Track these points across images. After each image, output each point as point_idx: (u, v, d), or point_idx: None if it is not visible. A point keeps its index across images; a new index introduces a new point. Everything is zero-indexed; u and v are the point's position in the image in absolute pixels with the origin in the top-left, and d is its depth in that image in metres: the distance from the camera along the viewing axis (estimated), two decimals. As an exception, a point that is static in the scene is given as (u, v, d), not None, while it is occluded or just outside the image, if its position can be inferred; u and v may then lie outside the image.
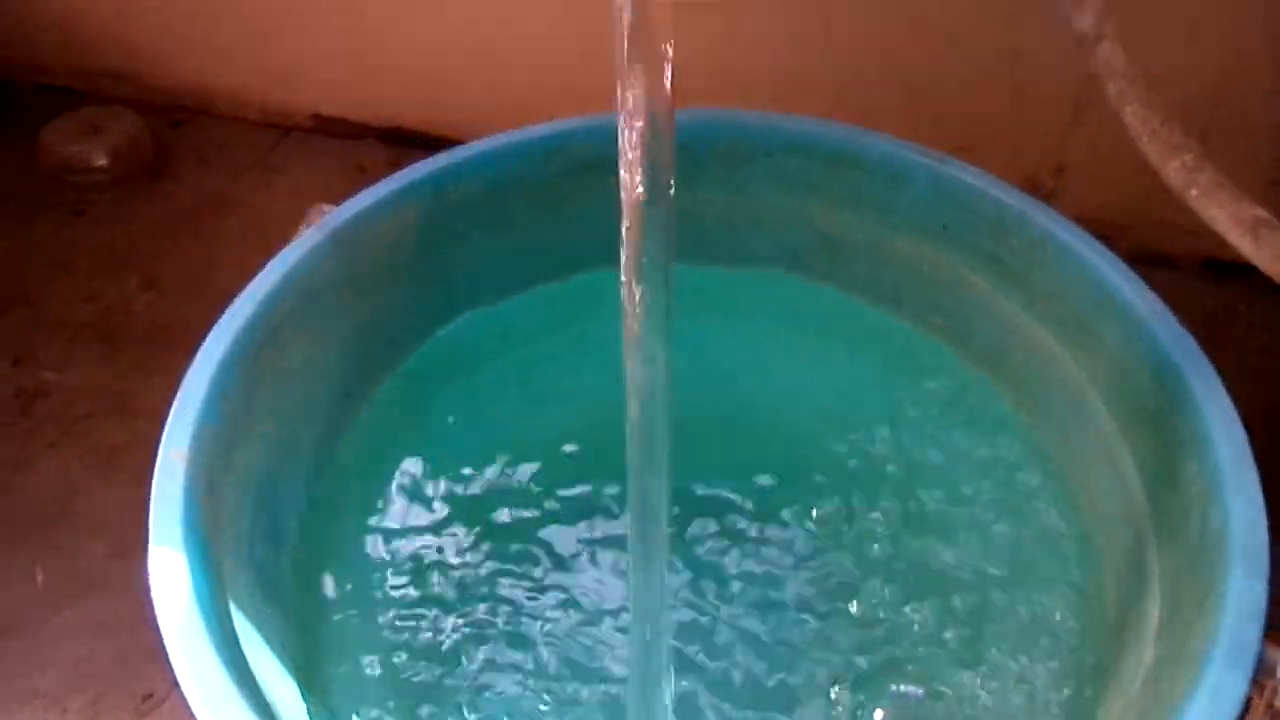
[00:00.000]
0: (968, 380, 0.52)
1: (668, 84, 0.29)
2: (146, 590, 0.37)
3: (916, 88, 0.80)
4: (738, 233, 0.54)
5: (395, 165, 0.93)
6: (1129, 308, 0.41)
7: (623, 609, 0.47)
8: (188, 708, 0.34)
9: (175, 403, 0.38)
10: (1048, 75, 0.80)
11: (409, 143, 0.96)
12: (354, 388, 0.47)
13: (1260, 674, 0.29)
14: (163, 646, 0.35)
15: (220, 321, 0.40)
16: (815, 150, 0.50)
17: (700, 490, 0.53)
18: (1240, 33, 0.70)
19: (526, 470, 0.52)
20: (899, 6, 0.76)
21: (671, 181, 0.31)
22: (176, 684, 0.37)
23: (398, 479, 0.50)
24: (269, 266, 0.43)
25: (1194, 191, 0.49)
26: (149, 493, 0.38)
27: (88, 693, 0.61)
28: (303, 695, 0.38)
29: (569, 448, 0.54)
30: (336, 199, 0.91)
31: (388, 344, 0.49)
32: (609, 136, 0.31)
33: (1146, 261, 0.83)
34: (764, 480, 0.53)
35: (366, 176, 0.94)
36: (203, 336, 0.76)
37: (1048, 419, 0.48)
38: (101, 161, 0.89)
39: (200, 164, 0.95)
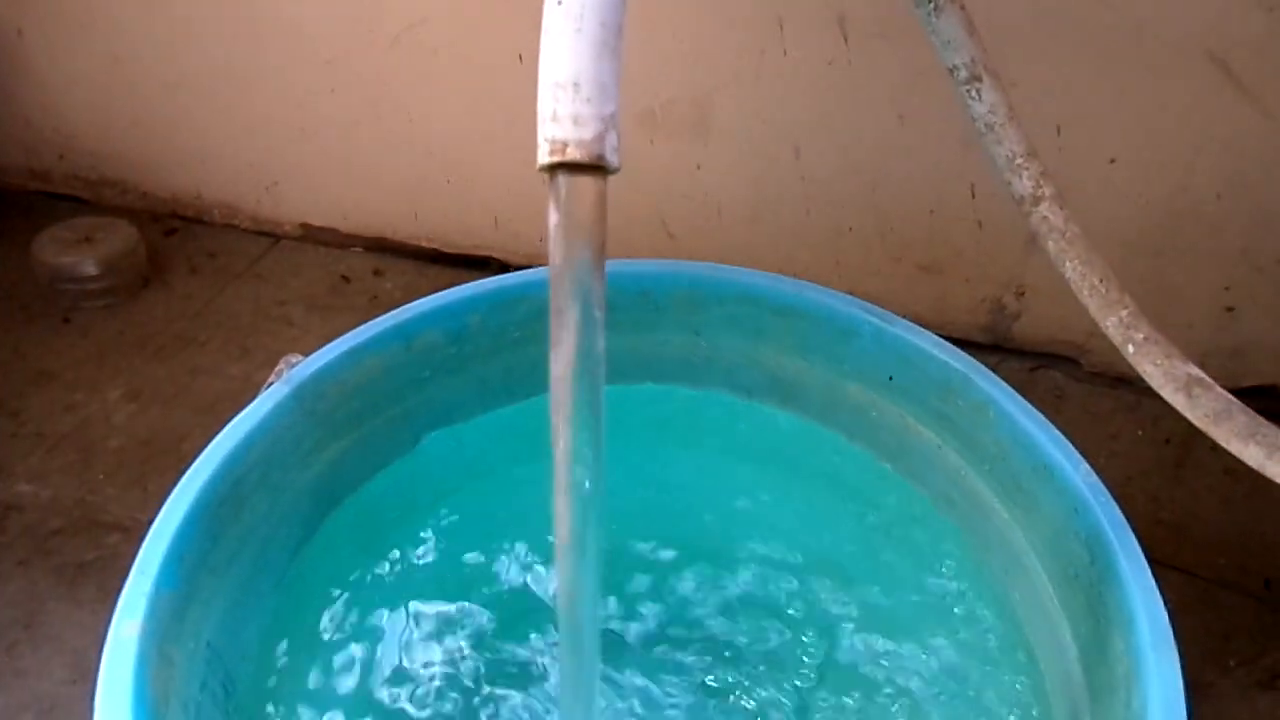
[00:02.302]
0: (916, 509, 0.53)
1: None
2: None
3: (884, 210, 0.83)
4: (694, 369, 0.56)
5: (379, 275, 0.98)
6: (1064, 479, 0.43)
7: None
8: None
9: (133, 569, 0.38)
10: (1006, 206, 0.84)
11: (393, 252, 0.99)
12: (309, 530, 0.48)
13: None
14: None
15: (181, 482, 0.41)
16: (765, 302, 0.52)
17: (643, 615, 0.53)
18: (1186, 167, 0.74)
19: (480, 614, 0.52)
20: (862, 135, 0.80)
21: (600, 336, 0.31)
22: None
23: (353, 623, 0.50)
24: (231, 424, 0.44)
25: (1131, 348, 0.51)
26: (111, 616, 0.38)
27: (39, 824, 0.61)
28: None
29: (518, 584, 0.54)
30: (321, 308, 0.94)
31: (345, 484, 0.50)
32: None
33: (1108, 383, 0.86)
34: (704, 607, 0.54)
35: (350, 286, 0.97)
36: (178, 453, 0.78)
37: (993, 568, 0.49)
38: (93, 271, 0.91)
39: (190, 272, 0.98)
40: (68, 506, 0.77)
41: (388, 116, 0.90)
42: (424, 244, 0.98)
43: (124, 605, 0.37)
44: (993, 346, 0.87)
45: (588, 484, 0.32)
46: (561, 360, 0.30)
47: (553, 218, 0.28)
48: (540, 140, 0.27)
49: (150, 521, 0.75)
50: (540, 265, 0.93)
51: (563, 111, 0.27)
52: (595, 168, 0.27)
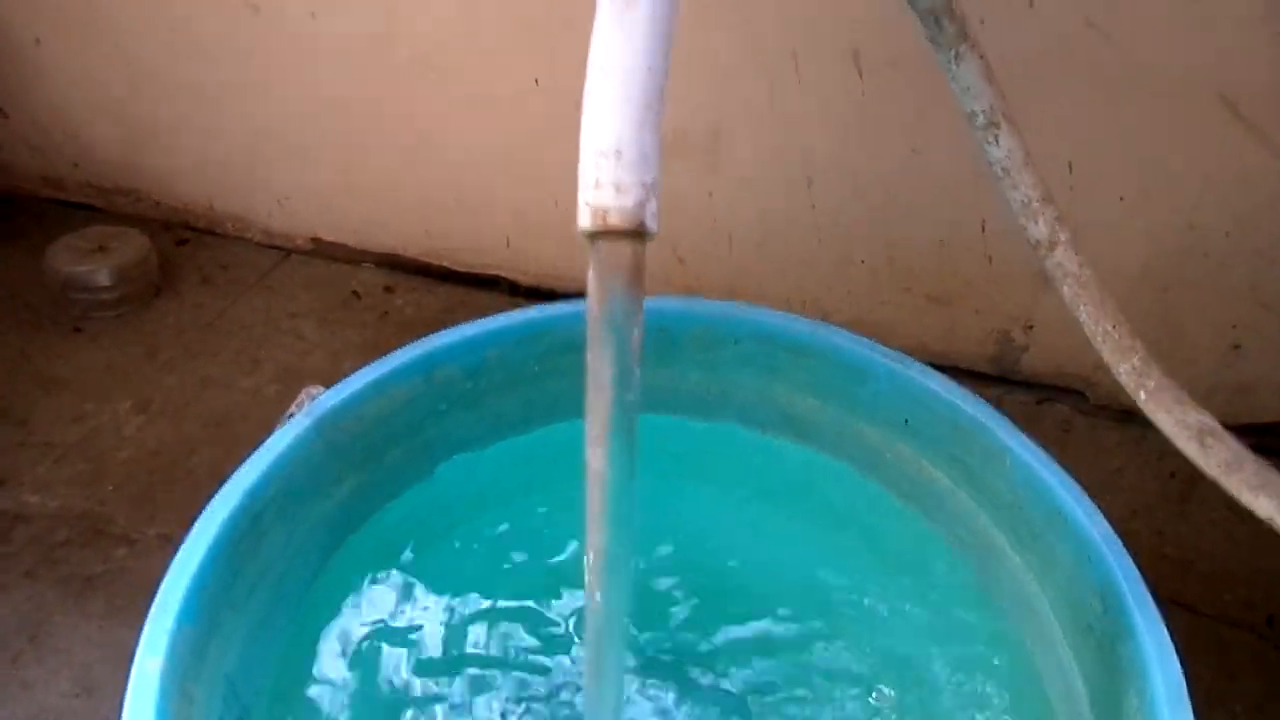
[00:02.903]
0: (928, 548, 0.53)
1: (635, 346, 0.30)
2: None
3: (894, 240, 0.84)
4: (709, 404, 0.57)
5: (389, 291, 0.98)
6: (1079, 529, 0.43)
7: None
8: None
9: (154, 606, 0.39)
10: (1014, 240, 0.84)
11: (404, 269, 0.99)
12: (324, 560, 0.49)
13: None
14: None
15: (202, 516, 0.41)
16: (780, 340, 0.52)
17: (660, 651, 0.53)
18: (1195, 205, 0.74)
19: (496, 641, 0.53)
20: (874, 166, 0.80)
21: (637, 370, 0.31)
22: None
23: (367, 653, 0.51)
24: (253, 458, 0.44)
25: (1143, 394, 0.52)
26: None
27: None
28: None
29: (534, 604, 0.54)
30: (331, 323, 0.94)
31: (360, 514, 0.51)
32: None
33: (1115, 417, 0.87)
34: (707, 640, 0.54)
35: (361, 301, 0.97)
36: (186, 466, 0.78)
37: (1005, 610, 0.49)
38: (105, 281, 0.91)
39: (202, 283, 0.98)
40: (75, 518, 0.77)
41: (402, 135, 0.90)
42: (434, 262, 0.98)
43: (146, 642, 0.37)
44: (999, 378, 0.88)
45: (621, 549, 0.32)
46: (598, 418, 0.30)
47: (592, 279, 0.29)
48: (581, 205, 0.28)
49: (158, 535, 0.75)
50: (549, 285, 0.94)
51: (605, 179, 0.27)
52: (635, 233, 0.28)
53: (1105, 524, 0.42)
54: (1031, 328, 0.85)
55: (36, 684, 0.68)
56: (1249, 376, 0.81)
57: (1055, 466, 0.45)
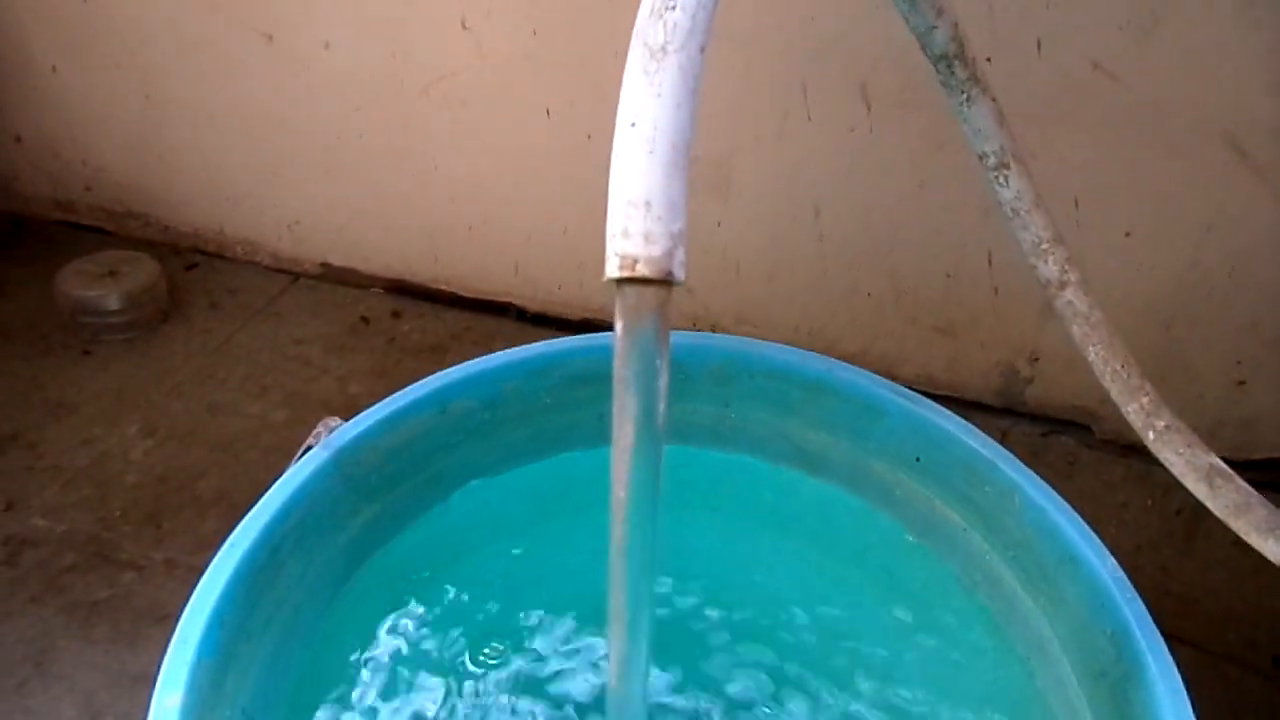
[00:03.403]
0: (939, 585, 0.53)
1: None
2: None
3: (900, 272, 0.85)
4: (723, 437, 0.57)
5: (397, 317, 0.99)
6: (1090, 571, 0.43)
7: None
8: None
9: (174, 639, 0.39)
10: (1023, 274, 0.85)
11: (412, 295, 1.00)
12: (339, 590, 0.49)
13: None
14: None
15: (222, 550, 0.42)
16: (794, 377, 0.53)
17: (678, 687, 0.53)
18: (1198, 243, 0.75)
19: (511, 667, 0.53)
20: (881, 199, 0.81)
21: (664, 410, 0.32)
22: None
23: (381, 682, 0.51)
24: (272, 490, 0.44)
25: (1151, 435, 0.52)
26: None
27: None
28: None
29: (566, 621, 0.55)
30: (339, 349, 0.94)
31: (375, 543, 0.51)
32: (603, 353, 0.32)
33: (1119, 451, 0.87)
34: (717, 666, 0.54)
35: (369, 327, 0.98)
36: (193, 491, 0.78)
37: (1017, 652, 0.49)
38: (115, 306, 0.92)
39: (210, 308, 0.99)
40: (82, 542, 0.77)
41: (413, 163, 0.91)
42: (443, 288, 0.99)
43: (166, 677, 0.37)
44: (1005, 410, 0.88)
45: (644, 591, 0.32)
46: (621, 459, 0.30)
47: (619, 325, 0.29)
48: (610, 254, 0.28)
49: (164, 560, 0.75)
50: (557, 312, 0.95)
51: (634, 229, 0.28)
52: (663, 282, 0.28)
53: (1118, 569, 0.42)
54: (1037, 360, 0.85)
55: (40, 712, 0.68)
56: (1254, 412, 0.81)
57: (1066, 507, 0.45)
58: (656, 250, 0.28)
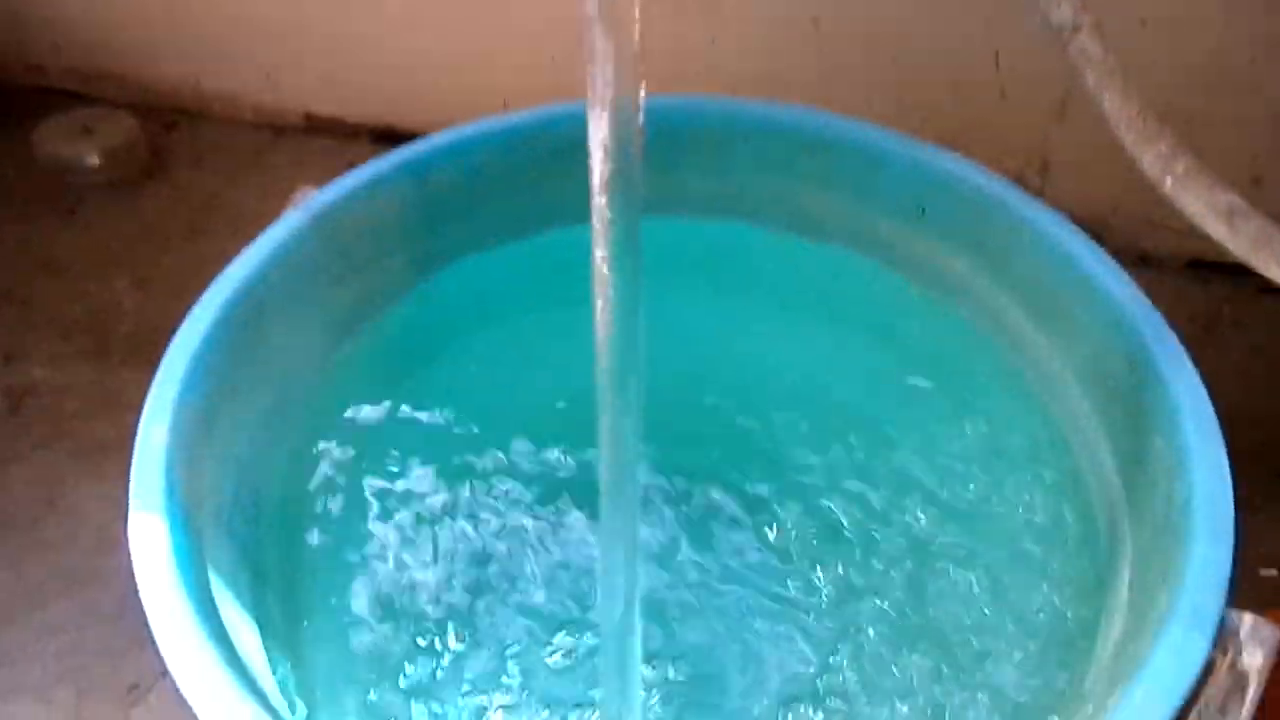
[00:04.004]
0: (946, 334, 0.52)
1: (634, 64, 0.29)
2: (131, 583, 0.37)
3: (903, 83, 0.81)
4: (718, 207, 0.55)
5: (387, 165, 0.96)
6: (1103, 290, 0.42)
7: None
8: (173, 694, 0.34)
9: (157, 376, 0.38)
10: (1031, 75, 0.81)
11: (401, 142, 0.97)
12: (333, 358, 0.48)
13: (1225, 635, 0.30)
14: (147, 637, 0.35)
15: (201, 299, 0.41)
16: (794, 135, 0.50)
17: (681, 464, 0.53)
18: (1220, 29, 0.71)
19: (508, 439, 0.52)
20: (882, 6, 0.77)
21: (638, 160, 0.31)
22: (162, 674, 0.37)
23: (378, 447, 0.50)
24: (250, 247, 0.43)
25: (1169, 180, 0.50)
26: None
27: (73, 685, 0.62)
28: (284, 664, 0.38)
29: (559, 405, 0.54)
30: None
31: (366, 314, 0.50)
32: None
33: (1131, 261, 0.84)
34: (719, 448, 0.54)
35: (358, 176, 0.95)
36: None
37: (1032, 392, 0.48)
38: (95, 162, 0.89)
39: (194, 165, 0.96)
40: (84, 390, 0.77)
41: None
42: (432, 131, 0.96)
43: (150, 412, 0.37)
44: (1014, 223, 0.86)
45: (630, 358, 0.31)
46: (600, 219, 0.29)
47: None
48: None
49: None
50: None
51: None
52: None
53: (1127, 279, 0.40)
54: (1047, 168, 0.82)
55: (57, 544, 0.68)
56: (1269, 209, 0.78)
57: (1075, 229, 0.43)
58: None
